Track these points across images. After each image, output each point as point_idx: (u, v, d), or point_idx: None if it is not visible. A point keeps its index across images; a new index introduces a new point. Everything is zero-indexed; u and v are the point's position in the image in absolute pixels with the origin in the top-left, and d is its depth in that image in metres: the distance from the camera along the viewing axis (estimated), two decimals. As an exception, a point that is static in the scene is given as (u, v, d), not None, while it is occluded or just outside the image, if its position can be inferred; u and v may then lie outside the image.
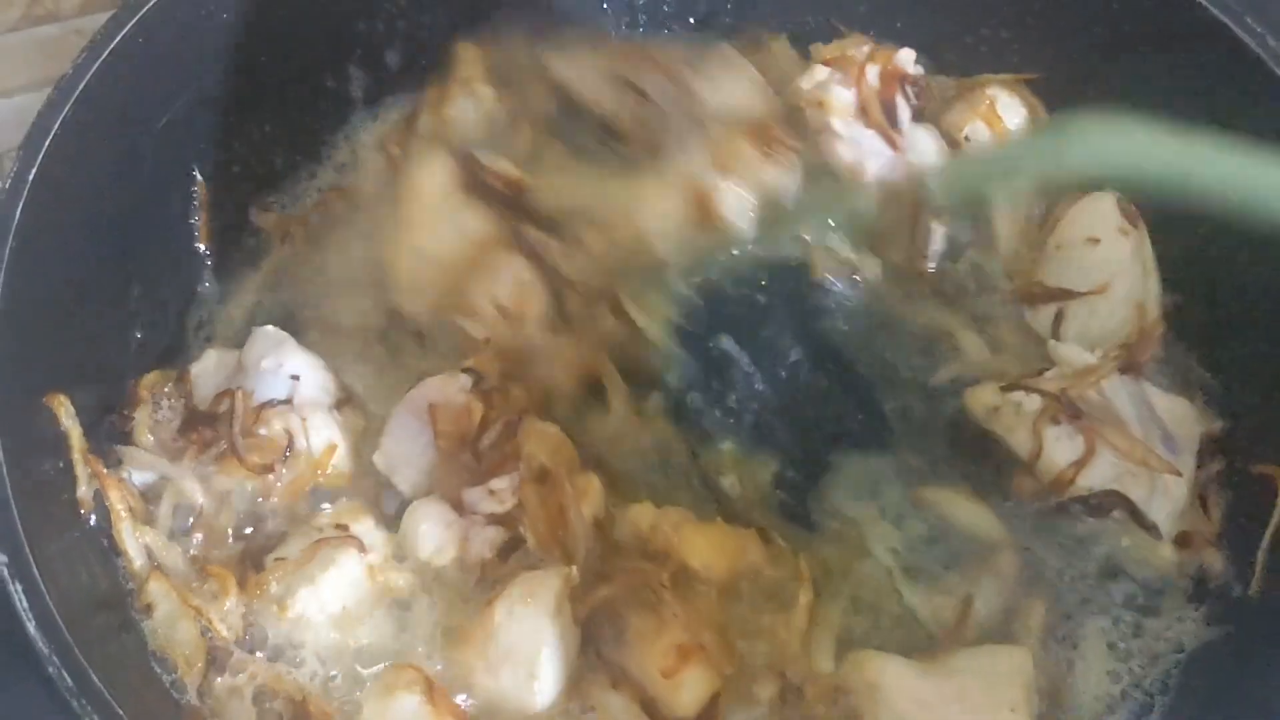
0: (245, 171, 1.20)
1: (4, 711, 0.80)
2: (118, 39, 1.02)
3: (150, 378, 1.05)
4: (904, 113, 1.19)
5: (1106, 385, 1.07)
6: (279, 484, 1.01)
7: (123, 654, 0.87)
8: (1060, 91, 1.22)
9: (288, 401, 1.03)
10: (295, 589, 0.95)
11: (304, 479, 1.02)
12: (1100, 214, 1.15)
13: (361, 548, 0.97)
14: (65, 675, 0.76)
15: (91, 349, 1.03)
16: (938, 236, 1.17)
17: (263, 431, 1.01)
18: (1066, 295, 1.13)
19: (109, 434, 1.00)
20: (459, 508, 1.00)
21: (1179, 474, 1.03)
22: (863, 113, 1.17)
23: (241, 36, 1.14)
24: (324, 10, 1.20)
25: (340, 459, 1.04)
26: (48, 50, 1.51)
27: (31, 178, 0.94)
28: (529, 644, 0.91)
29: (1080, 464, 1.02)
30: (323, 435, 1.03)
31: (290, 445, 1.01)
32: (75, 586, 0.83)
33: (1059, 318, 1.14)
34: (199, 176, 1.14)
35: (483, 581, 0.98)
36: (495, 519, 0.98)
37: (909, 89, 1.19)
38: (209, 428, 1.00)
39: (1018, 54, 1.24)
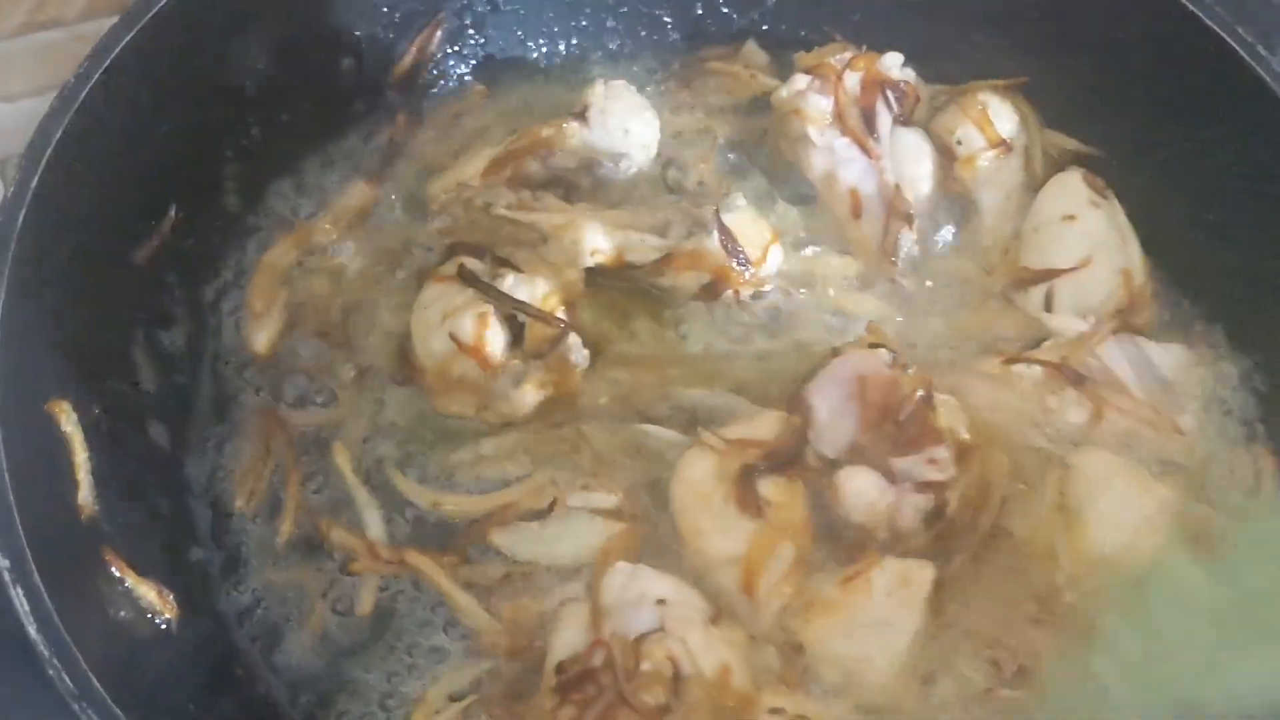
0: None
1: (6, 711, 0.81)
2: (119, 48, 1.03)
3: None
4: (884, 119, 1.19)
5: (1104, 350, 1.09)
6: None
7: (125, 657, 0.88)
8: (1051, 97, 1.23)
9: (661, 629, 0.94)
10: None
11: (703, 706, 0.92)
12: (1070, 191, 1.18)
13: None
14: (65, 678, 0.78)
15: (95, 357, 1.03)
16: (907, 241, 1.18)
17: (646, 666, 0.91)
18: (1053, 274, 1.16)
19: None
20: (888, 476, 1.00)
21: (1182, 433, 1.06)
22: (839, 120, 1.18)
23: (241, 45, 1.15)
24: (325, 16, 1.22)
25: (738, 678, 0.94)
26: (50, 56, 1.51)
27: (34, 185, 0.95)
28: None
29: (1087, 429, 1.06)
30: (712, 655, 0.93)
31: (677, 673, 0.92)
32: (76, 591, 0.84)
33: (1050, 297, 1.16)
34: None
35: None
36: (927, 486, 0.99)
37: (891, 95, 1.19)
38: (588, 684, 0.90)
39: (1010, 61, 1.24)
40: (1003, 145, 1.20)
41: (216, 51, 1.14)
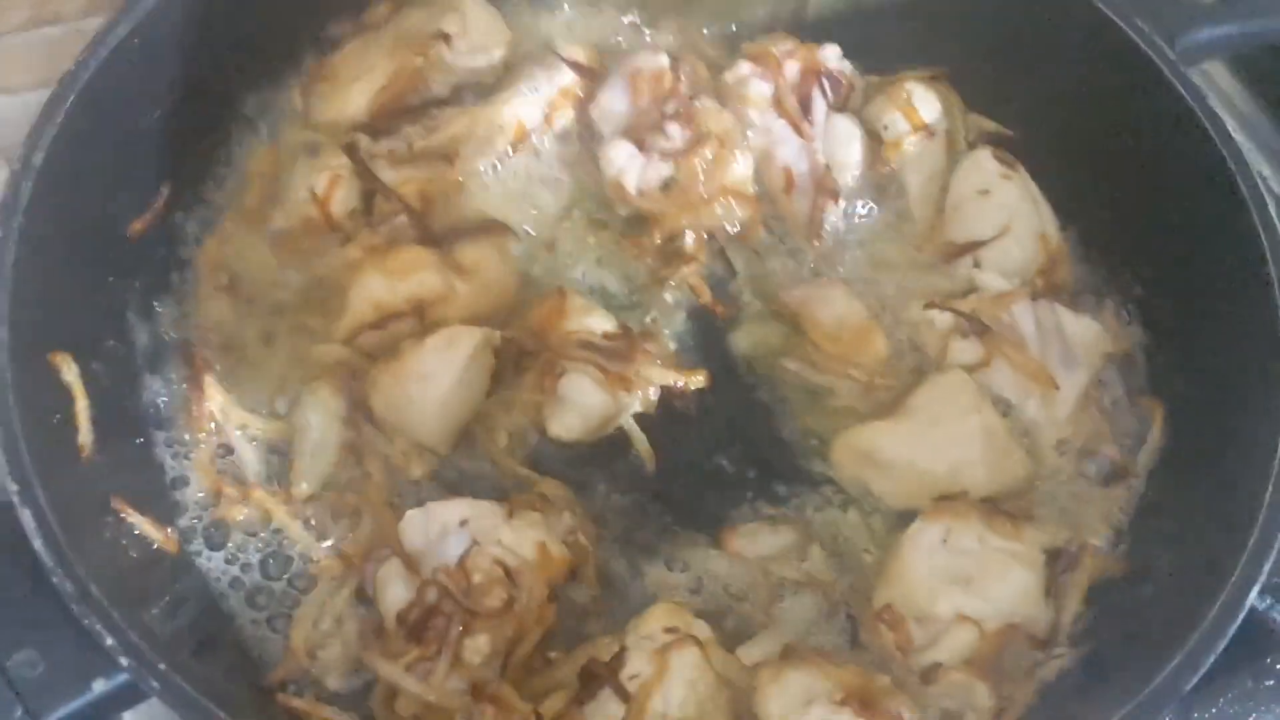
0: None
1: (15, 617, 0.91)
2: (117, 38, 1.13)
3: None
4: (819, 105, 1.30)
5: (1016, 309, 1.20)
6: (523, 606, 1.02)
7: (121, 567, 0.98)
8: (973, 83, 1.34)
9: (474, 544, 1.04)
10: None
11: (539, 586, 1.03)
12: (981, 168, 1.30)
13: (699, 642, 1.01)
14: (68, 584, 0.88)
15: (93, 316, 1.14)
16: (833, 215, 1.30)
17: (477, 579, 1.01)
18: (976, 245, 1.26)
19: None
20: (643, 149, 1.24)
21: (1056, 388, 1.17)
22: (777, 104, 1.29)
23: (233, 35, 1.25)
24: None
25: (554, 547, 1.06)
26: (53, 50, 1.60)
27: (38, 163, 1.04)
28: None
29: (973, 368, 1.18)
30: (524, 540, 1.04)
31: (506, 570, 1.02)
32: (77, 511, 0.94)
33: (976, 266, 1.27)
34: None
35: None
36: (666, 154, 1.22)
37: (827, 84, 1.30)
38: (435, 618, 0.99)
39: (935, 50, 1.34)
40: (925, 130, 1.31)
41: (209, 42, 1.23)
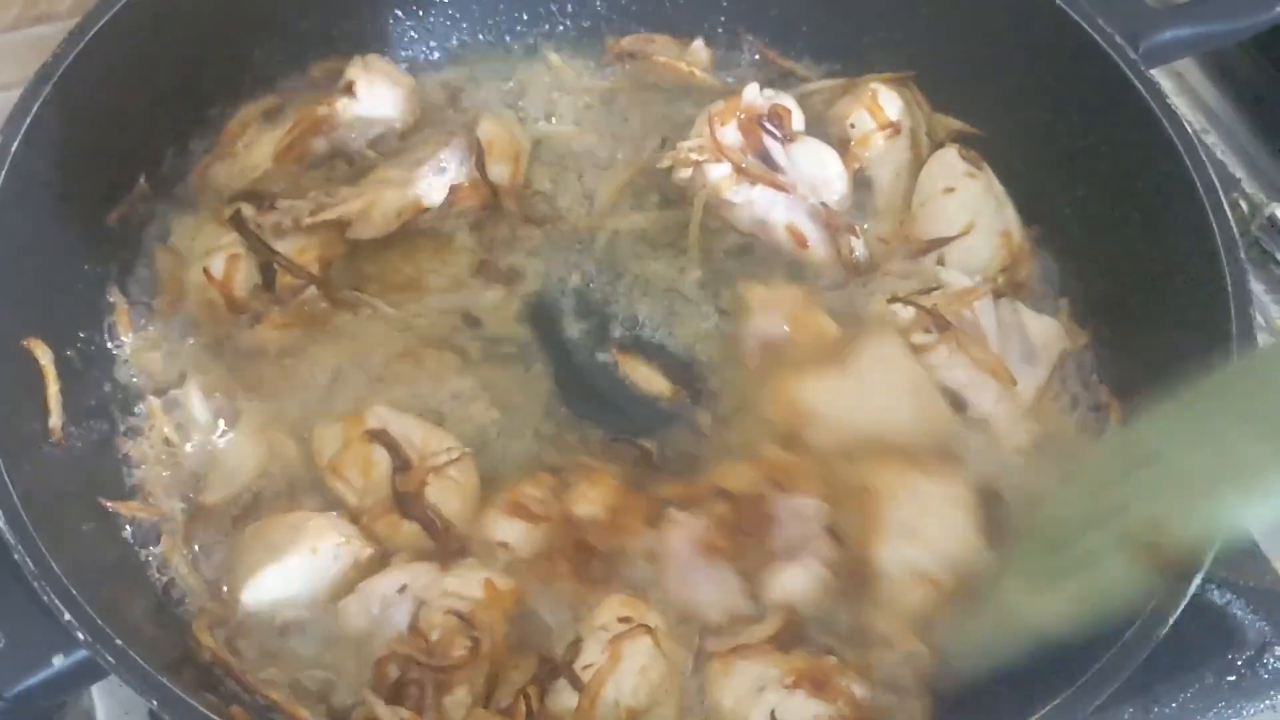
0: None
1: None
2: (95, 30, 1.15)
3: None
4: (775, 148, 1.29)
5: (978, 306, 1.21)
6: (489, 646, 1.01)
7: (83, 547, 1.00)
8: (939, 83, 1.36)
9: (421, 604, 1.04)
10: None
11: (497, 622, 1.03)
12: (947, 166, 1.32)
13: (650, 631, 1.02)
14: (29, 561, 0.90)
15: (68, 302, 1.16)
16: (859, 245, 1.30)
17: (435, 636, 1.01)
18: (942, 242, 1.28)
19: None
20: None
21: (1014, 384, 1.18)
22: (742, 175, 1.27)
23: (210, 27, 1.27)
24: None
25: (500, 581, 1.06)
26: (43, 48, 1.59)
27: (13, 150, 1.08)
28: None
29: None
30: (468, 584, 1.04)
31: (461, 618, 1.02)
32: (42, 491, 0.96)
33: (940, 262, 1.28)
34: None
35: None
36: None
37: (769, 124, 1.29)
38: (408, 687, 0.99)
39: (902, 51, 1.37)
40: (891, 127, 1.32)
41: (185, 37, 1.26)
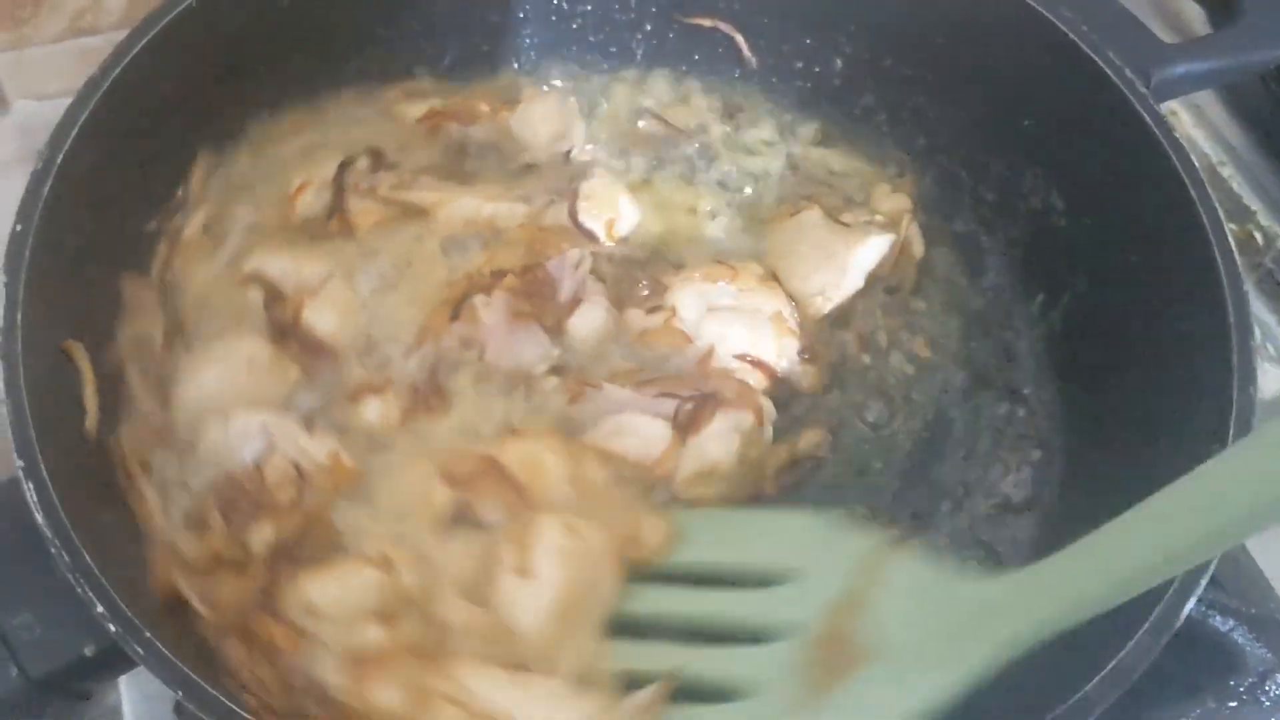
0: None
1: (17, 585, 0.98)
2: (138, 47, 1.19)
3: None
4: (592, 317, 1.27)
5: None
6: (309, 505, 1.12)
7: (117, 539, 1.04)
8: (945, 117, 1.40)
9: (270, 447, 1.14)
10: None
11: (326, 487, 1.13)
12: None
13: None
14: (64, 555, 0.94)
15: (109, 308, 1.21)
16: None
17: (272, 477, 1.13)
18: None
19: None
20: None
21: None
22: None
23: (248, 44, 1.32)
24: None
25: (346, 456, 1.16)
26: (88, 59, 1.66)
27: (59, 161, 1.12)
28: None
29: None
30: (317, 446, 1.15)
31: (300, 471, 1.13)
32: (77, 488, 1.00)
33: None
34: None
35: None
36: None
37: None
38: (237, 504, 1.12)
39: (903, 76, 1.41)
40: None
41: (229, 53, 1.30)
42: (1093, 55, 1.25)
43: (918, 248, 1.38)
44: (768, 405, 1.22)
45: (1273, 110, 1.64)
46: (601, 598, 1.00)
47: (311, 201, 1.30)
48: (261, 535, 1.09)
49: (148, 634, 0.93)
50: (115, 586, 0.94)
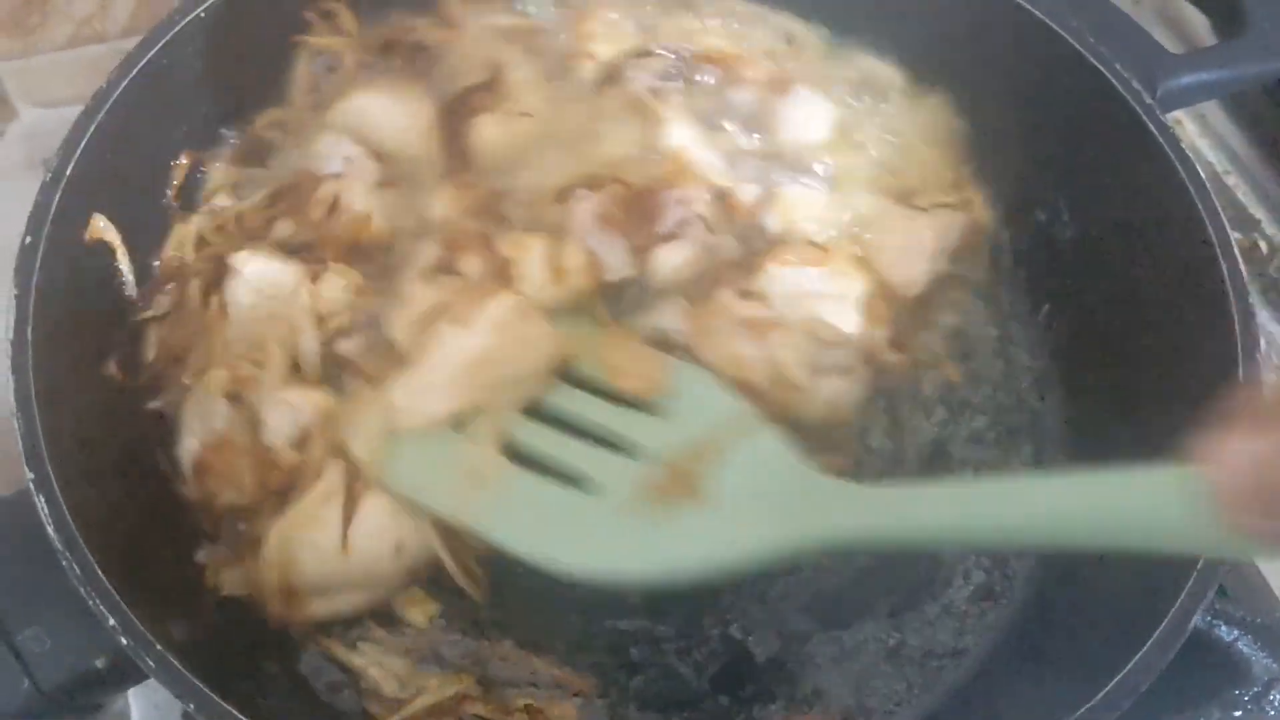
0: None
1: (28, 597, 0.98)
2: (146, 59, 1.20)
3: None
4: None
5: None
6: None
7: (128, 551, 1.03)
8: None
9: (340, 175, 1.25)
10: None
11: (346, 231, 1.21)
12: None
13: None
14: (75, 568, 0.95)
15: (110, 329, 1.20)
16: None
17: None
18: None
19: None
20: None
21: None
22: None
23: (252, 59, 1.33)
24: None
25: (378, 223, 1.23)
26: (94, 67, 1.69)
27: (69, 171, 1.13)
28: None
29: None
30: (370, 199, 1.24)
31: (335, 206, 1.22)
32: (89, 504, 1.01)
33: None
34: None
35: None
36: None
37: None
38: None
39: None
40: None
41: (236, 66, 1.31)
42: (1099, 66, 1.25)
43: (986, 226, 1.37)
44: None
45: (1278, 119, 1.65)
46: (520, 376, 1.12)
47: None
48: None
49: (159, 646, 0.93)
50: (126, 599, 0.95)
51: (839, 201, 1.33)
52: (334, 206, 1.21)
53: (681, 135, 1.30)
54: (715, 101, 1.36)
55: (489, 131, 1.28)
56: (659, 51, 1.37)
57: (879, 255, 1.29)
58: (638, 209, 1.22)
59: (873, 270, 1.28)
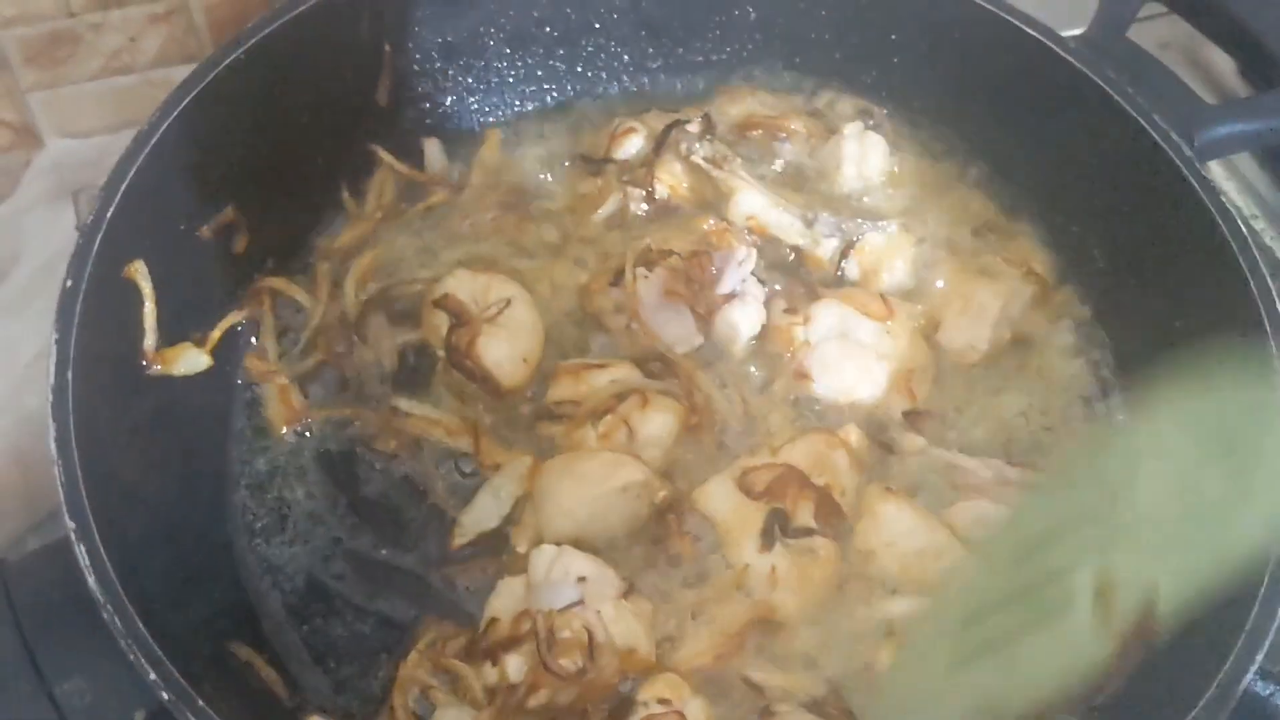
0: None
1: (68, 648, 0.97)
2: (186, 101, 1.20)
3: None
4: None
5: None
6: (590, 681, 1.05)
7: (171, 602, 1.03)
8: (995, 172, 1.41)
9: (580, 603, 1.07)
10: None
11: (611, 669, 1.06)
12: None
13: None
14: (117, 620, 0.94)
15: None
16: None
17: (564, 635, 1.05)
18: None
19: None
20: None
21: None
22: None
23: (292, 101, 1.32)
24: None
25: (644, 646, 1.09)
26: (124, 97, 1.70)
27: (109, 215, 1.12)
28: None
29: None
30: (622, 624, 1.07)
31: (592, 641, 1.05)
32: (129, 551, 1.00)
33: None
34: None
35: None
36: None
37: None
38: (514, 646, 1.06)
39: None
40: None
41: (268, 107, 1.30)
42: (1138, 117, 1.25)
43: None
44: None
45: (1305, 164, 1.65)
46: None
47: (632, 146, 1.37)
48: (537, 699, 1.06)
49: (200, 702, 0.93)
50: (167, 652, 0.94)
51: (915, 247, 1.34)
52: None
53: (750, 203, 1.31)
54: (767, 156, 1.38)
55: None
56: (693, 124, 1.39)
57: (942, 319, 1.30)
58: (695, 276, 1.22)
59: (928, 346, 1.29)
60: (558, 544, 1.11)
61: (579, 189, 1.40)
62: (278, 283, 1.32)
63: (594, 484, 1.14)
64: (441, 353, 1.26)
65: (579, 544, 1.12)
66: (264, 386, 1.28)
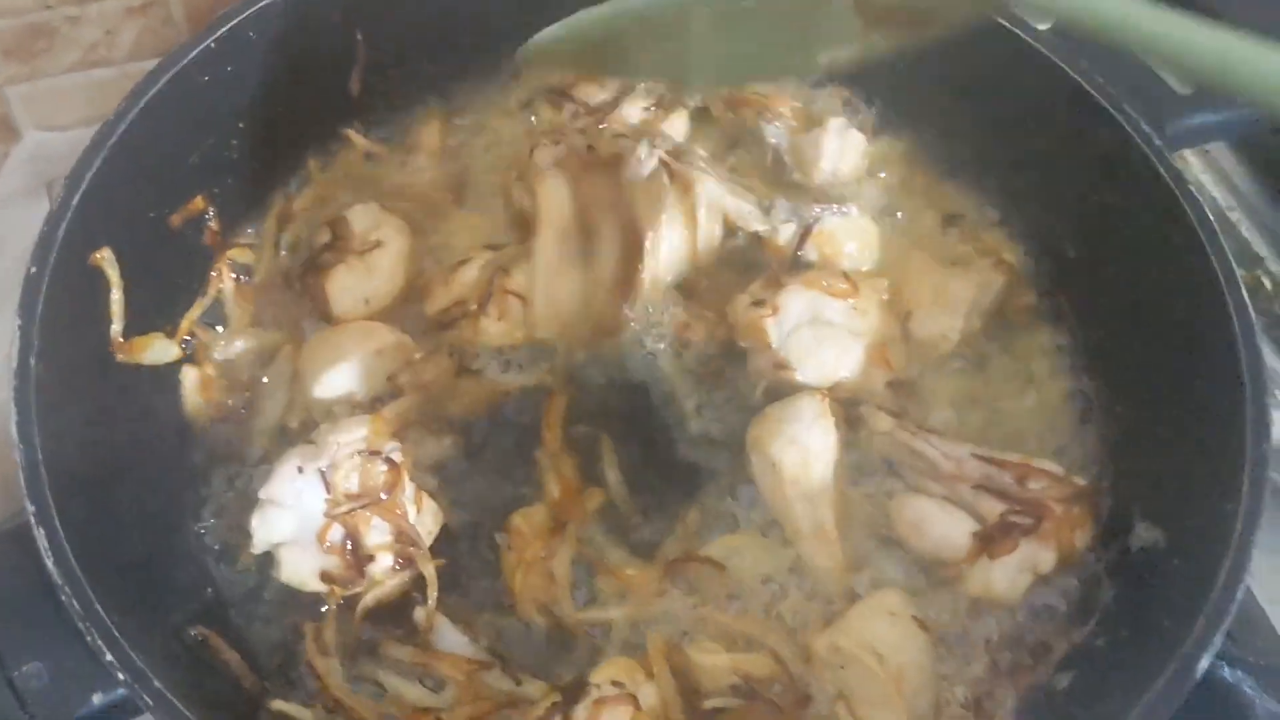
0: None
1: (26, 631, 0.97)
2: (154, 90, 1.20)
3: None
4: None
5: None
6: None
7: (129, 586, 1.03)
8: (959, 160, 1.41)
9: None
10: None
11: None
12: None
13: (635, 704, 1.04)
14: (75, 602, 0.94)
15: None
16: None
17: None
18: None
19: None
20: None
21: None
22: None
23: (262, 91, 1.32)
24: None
25: None
26: (101, 91, 1.70)
27: (74, 202, 1.12)
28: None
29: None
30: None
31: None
32: (89, 532, 1.00)
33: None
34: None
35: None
36: None
37: None
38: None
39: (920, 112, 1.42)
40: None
41: (237, 98, 1.31)
42: (1109, 107, 1.24)
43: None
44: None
45: (1282, 156, 1.65)
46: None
47: None
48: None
49: (157, 683, 0.93)
50: (125, 635, 0.94)
51: (877, 233, 1.34)
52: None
53: (710, 192, 1.30)
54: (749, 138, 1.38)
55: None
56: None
57: (913, 309, 1.29)
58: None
59: (897, 316, 1.28)
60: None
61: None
62: (232, 251, 1.33)
63: (350, 351, 1.22)
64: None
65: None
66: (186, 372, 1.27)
